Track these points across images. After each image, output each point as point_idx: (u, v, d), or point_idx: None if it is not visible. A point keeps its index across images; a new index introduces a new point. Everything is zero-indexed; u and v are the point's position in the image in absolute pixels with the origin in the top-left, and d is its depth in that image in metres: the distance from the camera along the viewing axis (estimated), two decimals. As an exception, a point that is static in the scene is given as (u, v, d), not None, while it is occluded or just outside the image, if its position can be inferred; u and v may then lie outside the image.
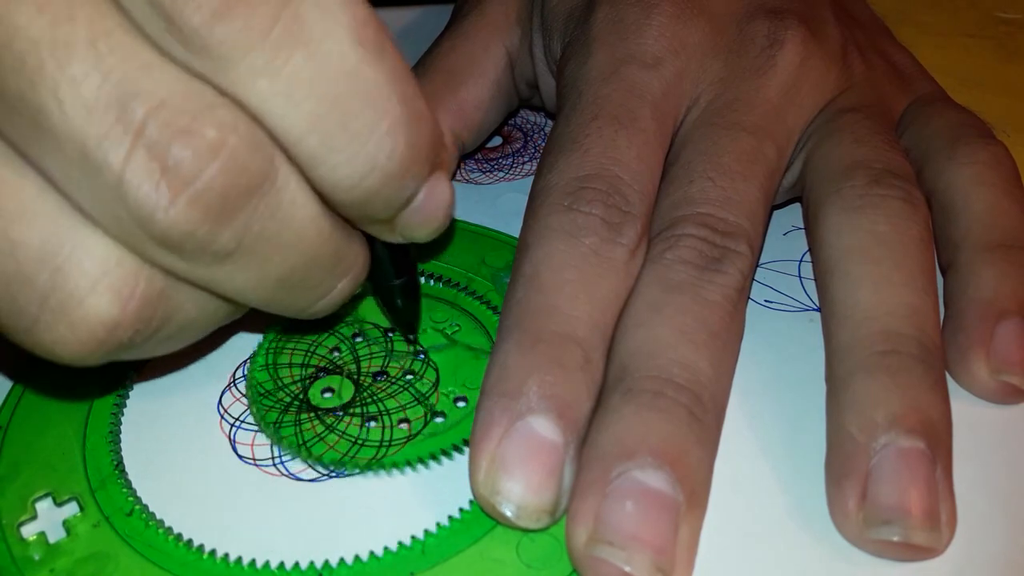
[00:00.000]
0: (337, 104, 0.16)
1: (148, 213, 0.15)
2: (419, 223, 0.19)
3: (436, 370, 0.24)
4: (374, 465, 0.21)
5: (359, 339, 0.24)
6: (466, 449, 0.21)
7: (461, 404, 0.23)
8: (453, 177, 0.30)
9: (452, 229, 0.28)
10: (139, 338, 0.17)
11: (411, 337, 0.24)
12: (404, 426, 0.22)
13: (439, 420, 0.22)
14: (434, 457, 0.21)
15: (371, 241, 0.21)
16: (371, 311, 0.25)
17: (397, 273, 0.22)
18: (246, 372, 0.24)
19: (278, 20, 0.15)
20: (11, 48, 0.15)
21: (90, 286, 0.16)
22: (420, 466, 0.21)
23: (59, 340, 0.17)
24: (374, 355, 0.24)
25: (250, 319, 0.22)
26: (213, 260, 0.17)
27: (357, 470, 0.21)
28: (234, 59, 0.15)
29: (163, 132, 0.15)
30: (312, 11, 0.16)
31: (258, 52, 0.15)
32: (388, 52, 0.16)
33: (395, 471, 0.21)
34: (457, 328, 0.25)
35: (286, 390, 0.23)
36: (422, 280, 0.26)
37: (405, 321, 0.24)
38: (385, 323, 0.25)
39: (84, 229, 0.16)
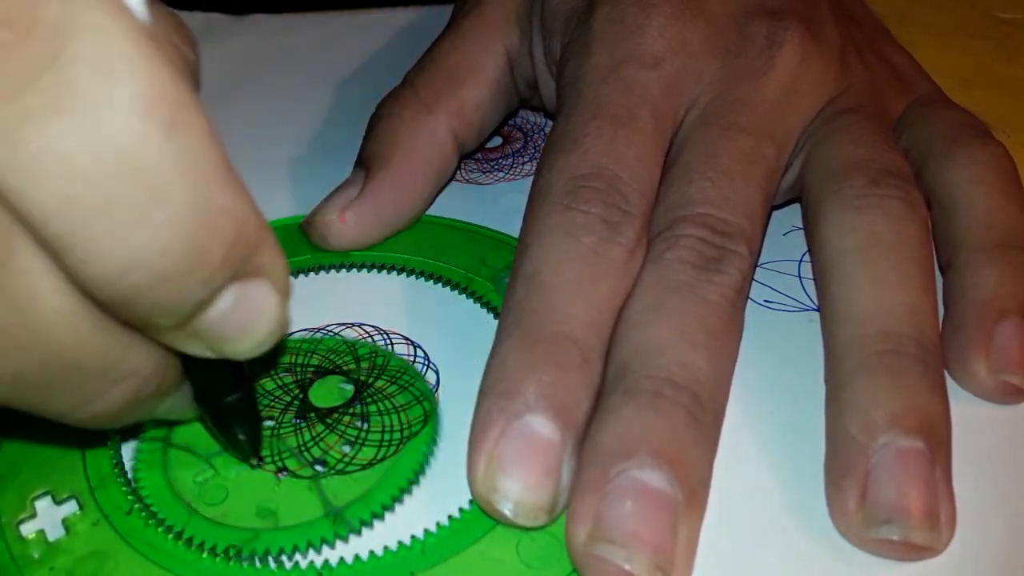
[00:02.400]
0: (98, 186, 0.13)
1: None
2: (226, 336, 0.16)
3: (436, 371, 0.24)
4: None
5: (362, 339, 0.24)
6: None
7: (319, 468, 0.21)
8: (452, 178, 0.30)
9: (452, 230, 0.28)
10: None
11: (252, 462, 0.21)
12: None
13: (319, 468, 0.21)
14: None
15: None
16: (369, 313, 0.25)
17: (224, 390, 0.19)
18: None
19: (36, 80, 0.12)
20: None
21: None
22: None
23: None
24: (377, 354, 0.24)
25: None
26: None
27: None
28: None
29: None
30: (87, 76, 0.13)
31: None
32: (187, 130, 0.14)
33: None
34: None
35: (285, 389, 0.23)
36: (422, 282, 0.26)
37: (239, 446, 0.20)
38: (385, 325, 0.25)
39: None
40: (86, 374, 0.16)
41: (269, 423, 0.22)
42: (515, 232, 0.24)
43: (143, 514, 0.20)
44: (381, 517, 0.20)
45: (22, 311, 0.14)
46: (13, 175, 0.13)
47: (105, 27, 0.13)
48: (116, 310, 0.15)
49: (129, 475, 0.21)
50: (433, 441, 0.22)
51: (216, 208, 0.14)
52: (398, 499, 0.20)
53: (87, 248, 0.13)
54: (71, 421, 0.17)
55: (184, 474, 0.21)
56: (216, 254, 0.14)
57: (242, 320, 0.16)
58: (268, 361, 0.23)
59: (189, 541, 0.19)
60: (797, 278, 0.27)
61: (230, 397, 0.19)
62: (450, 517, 0.20)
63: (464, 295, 0.26)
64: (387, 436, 0.22)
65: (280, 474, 0.21)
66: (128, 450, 0.21)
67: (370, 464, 0.21)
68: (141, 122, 0.13)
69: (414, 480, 0.21)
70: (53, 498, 0.20)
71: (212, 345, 0.16)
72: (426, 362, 0.24)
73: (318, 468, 0.21)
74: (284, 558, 0.19)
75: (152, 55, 0.13)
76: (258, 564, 0.19)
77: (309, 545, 0.19)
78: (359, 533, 0.20)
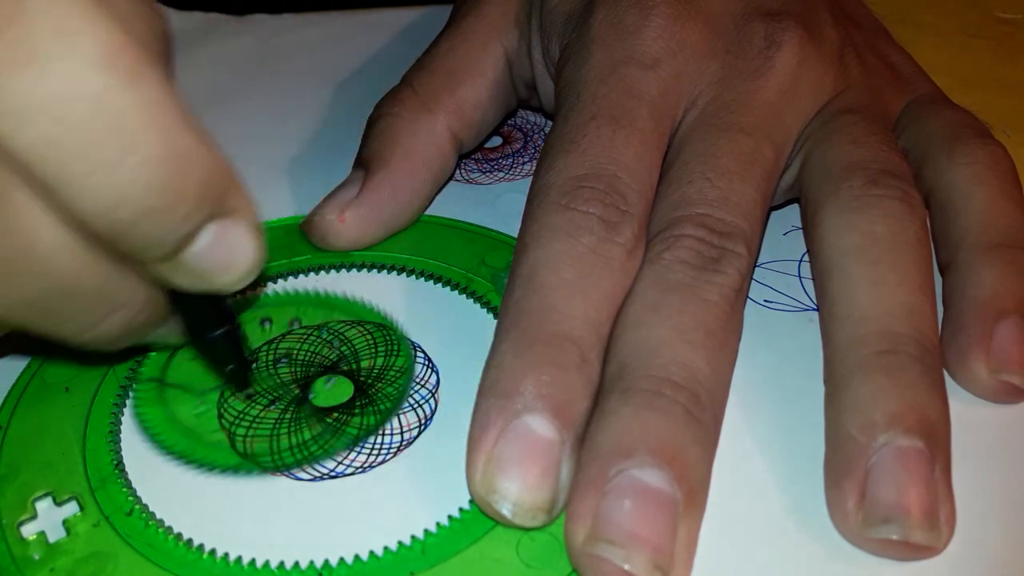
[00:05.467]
0: (76, 129, 0.15)
1: None
2: (209, 270, 0.18)
3: (436, 371, 0.24)
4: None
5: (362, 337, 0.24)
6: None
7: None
8: (451, 178, 0.30)
9: (452, 230, 0.28)
10: None
11: (241, 393, 0.23)
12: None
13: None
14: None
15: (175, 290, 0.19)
16: (369, 312, 0.25)
17: (211, 325, 0.21)
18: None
19: (2, 35, 0.14)
20: None
21: None
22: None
23: None
24: (377, 353, 0.24)
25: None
26: None
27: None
28: None
29: None
30: (46, 32, 0.14)
31: None
32: (146, 81, 0.15)
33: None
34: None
35: (285, 389, 0.23)
36: (422, 282, 0.26)
37: (226, 375, 0.22)
38: (385, 320, 0.25)
39: None
40: (86, 301, 0.18)
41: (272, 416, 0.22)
42: (515, 232, 0.24)
43: (144, 515, 0.20)
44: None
45: (24, 245, 0.16)
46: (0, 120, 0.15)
47: None
48: (108, 243, 0.17)
49: (126, 473, 0.21)
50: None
51: (184, 151, 0.16)
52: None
53: (74, 187, 0.15)
54: (78, 344, 0.19)
55: (182, 409, 0.23)
56: (190, 192, 0.16)
57: (222, 255, 0.18)
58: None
59: (189, 542, 0.20)
60: (797, 278, 0.27)
61: (215, 332, 0.21)
62: (450, 517, 0.20)
63: (464, 295, 0.26)
64: (386, 438, 0.22)
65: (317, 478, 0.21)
66: (135, 458, 0.22)
67: (368, 467, 0.21)
68: (103, 73, 0.15)
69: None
70: (54, 499, 0.20)
71: (196, 279, 0.18)
72: (426, 362, 0.24)
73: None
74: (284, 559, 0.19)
75: (103, 16, 0.15)
76: (258, 564, 0.19)
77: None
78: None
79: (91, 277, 0.17)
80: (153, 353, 0.24)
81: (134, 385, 0.23)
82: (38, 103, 0.15)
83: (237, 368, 0.22)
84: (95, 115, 0.15)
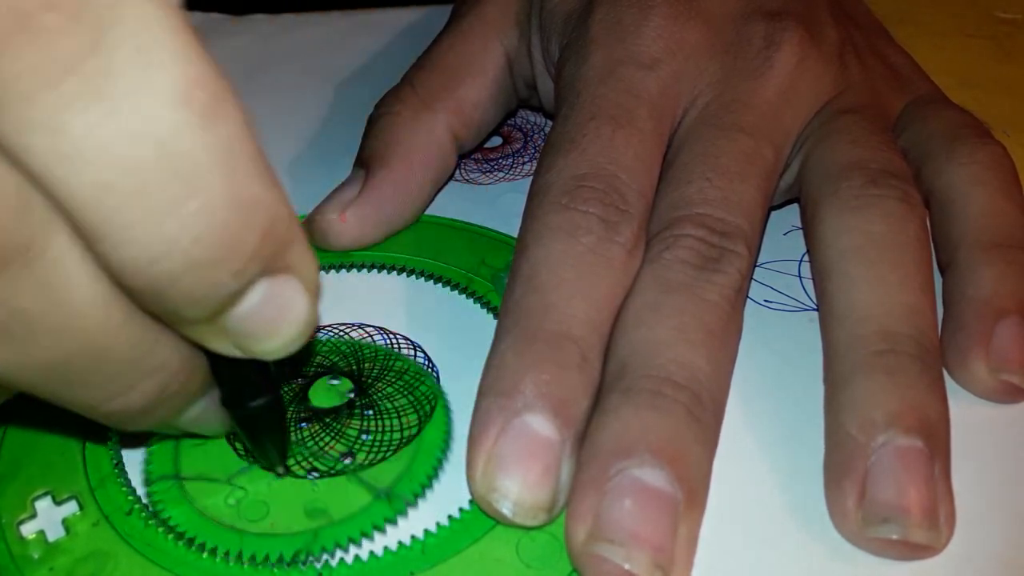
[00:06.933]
0: (134, 174, 0.13)
1: None
2: (254, 333, 0.16)
3: (436, 371, 0.24)
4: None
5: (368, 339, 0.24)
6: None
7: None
8: (451, 177, 0.30)
9: (452, 230, 0.28)
10: None
11: (279, 470, 0.21)
12: (348, 460, 0.21)
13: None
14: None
15: (214, 353, 0.17)
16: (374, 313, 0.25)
17: (252, 393, 0.18)
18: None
19: (78, 66, 0.12)
20: None
21: None
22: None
23: None
24: (377, 354, 0.24)
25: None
26: None
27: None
28: (7, 105, 0.12)
29: None
30: (129, 61, 0.12)
31: (40, 102, 0.12)
32: (224, 120, 0.13)
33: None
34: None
35: (286, 389, 0.23)
36: (422, 282, 0.26)
37: (265, 452, 0.20)
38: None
39: None
40: (116, 365, 0.15)
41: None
42: (515, 232, 0.24)
43: (143, 515, 0.20)
44: (430, 486, 0.21)
45: (56, 299, 0.14)
46: (54, 162, 0.12)
47: (148, 14, 0.13)
48: (147, 300, 0.15)
49: (126, 473, 0.21)
50: (449, 421, 0.22)
51: (249, 199, 0.14)
52: (439, 468, 0.21)
53: (121, 235, 0.13)
54: (99, 415, 0.17)
55: (213, 501, 0.20)
56: (248, 245, 0.14)
57: (271, 317, 0.16)
58: (296, 368, 0.23)
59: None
60: (797, 278, 0.27)
61: (257, 402, 0.19)
62: (450, 517, 0.20)
63: (464, 295, 0.26)
64: (386, 437, 0.22)
65: (312, 475, 0.21)
66: (135, 457, 0.22)
67: (369, 464, 0.21)
68: (178, 111, 0.13)
69: (446, 449, 0.22)
70: (53, 498, 0.20)
71: (240, 343, 0.16)
72: (426, 362, 0.24)
73: (347, 461, 0.21)
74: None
75: (191, 43, 0.13)
76: (256, 566, 0.19)
77: (375, 528, 0.20)
78: (415, 505, 0.20)
79: (124, 338, 0.15)
80: (156, 447, 0.21)
81: (147, 488, 0.21)
82: (100, 144, 0.12)
83: (277, 444, 0.20)
84: (158, 157, 0.13)
